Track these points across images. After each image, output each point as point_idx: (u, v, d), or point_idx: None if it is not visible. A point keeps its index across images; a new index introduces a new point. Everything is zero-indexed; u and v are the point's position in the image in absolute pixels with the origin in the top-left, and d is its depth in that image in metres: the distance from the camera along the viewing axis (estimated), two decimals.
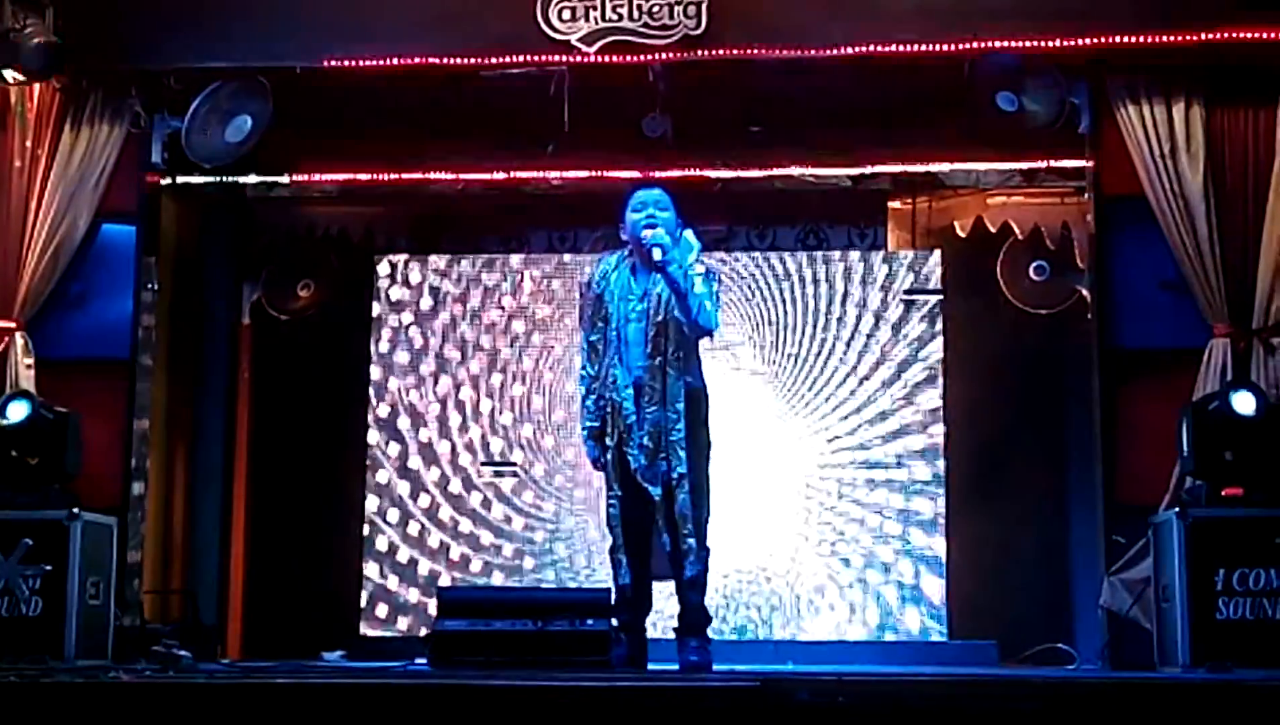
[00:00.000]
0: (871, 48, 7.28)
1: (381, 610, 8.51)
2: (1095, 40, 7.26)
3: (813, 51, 7.33)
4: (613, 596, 6.30)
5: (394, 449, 8.65)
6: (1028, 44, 7.29)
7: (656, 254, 6.15)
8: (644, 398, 6.17)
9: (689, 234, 6.36)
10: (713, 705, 4.84)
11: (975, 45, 7.30)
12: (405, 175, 8.42)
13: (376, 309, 8.77)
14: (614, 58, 7.41)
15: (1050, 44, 7.27)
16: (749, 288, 8.55)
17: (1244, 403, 6.77)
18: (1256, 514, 6.60)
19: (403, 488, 8.62)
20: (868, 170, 8.27)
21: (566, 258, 8.74)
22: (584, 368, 6.41)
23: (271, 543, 8.71)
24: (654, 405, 6.15)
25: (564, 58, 7.40)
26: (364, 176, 8.46)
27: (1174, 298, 7.27)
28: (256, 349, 8.91)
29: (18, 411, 7.11)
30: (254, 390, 8.88)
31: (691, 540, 6.11)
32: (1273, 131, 7.27)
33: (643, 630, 6.30)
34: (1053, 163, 8.03)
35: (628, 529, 6.24)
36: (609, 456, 6.27)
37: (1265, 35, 7.13)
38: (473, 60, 7.47)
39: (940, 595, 8.20)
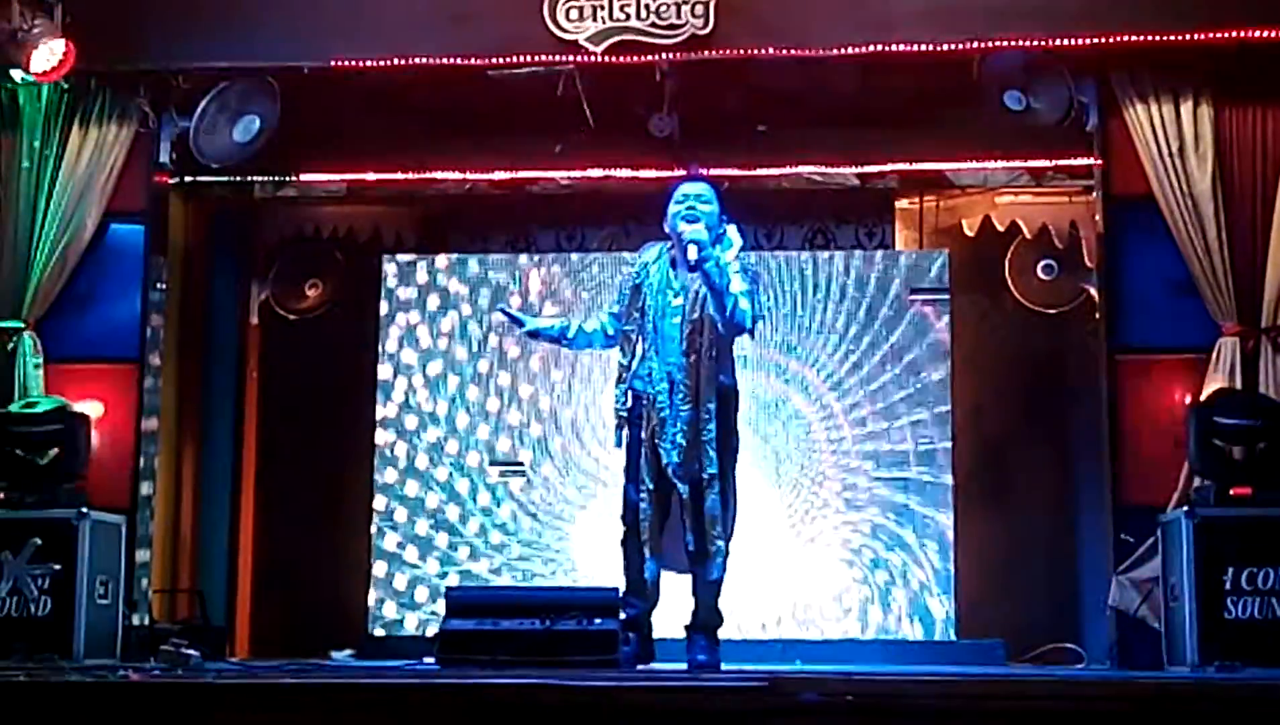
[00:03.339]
0: (879, 47, 7.28)
1: (389, 609, 8.51)
2: (1103, 39, 7.24)
3: (820, 51, 7.33)
4: (622, 588, 6.25)
5: (401, 448, 8.65)
6: (1035, 43, 7.29)
7: (692, 251, 6.02)
8: (678, 395, 6.10)
9: (732, 230, 6.27)
10: (721, 705, 4.83)
11: (983, 44, 7.29)
12: (412, 175, 8.43)
13: (384, 308, 8.76)
14: (621, 57, 7.40)
15: (1058, 43, 7.26)
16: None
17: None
18: (1265, 513, 6.59)
19: (410, 487, 8.61)
20: (875, 169, 8.28)
21: (574, 257, 8.74)
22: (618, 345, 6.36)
23: (280, 542, 8.73)
24: (688, 403, 6.09)
25: (571, 57, 7.40)
26: (371, 176, 8.48)
27: (1182, 297, 7.26)
28: (265, 348, 8.94)
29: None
30: (262, 389, 8.91)
31: (721, 543, 6.08)
32: None
33: (649, 625, 6.27)
34: (1060, 162, 8.03)
35: (647, 522, 6.15)
36: (640, 449, 6.18)
37: (1274, 33, 7.12)
38: (480, 60, 7.47)
39: (948, 594, 8.19)
